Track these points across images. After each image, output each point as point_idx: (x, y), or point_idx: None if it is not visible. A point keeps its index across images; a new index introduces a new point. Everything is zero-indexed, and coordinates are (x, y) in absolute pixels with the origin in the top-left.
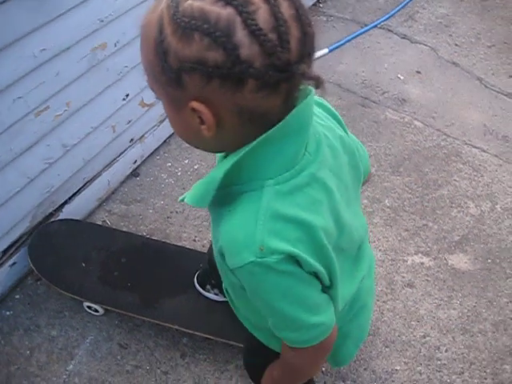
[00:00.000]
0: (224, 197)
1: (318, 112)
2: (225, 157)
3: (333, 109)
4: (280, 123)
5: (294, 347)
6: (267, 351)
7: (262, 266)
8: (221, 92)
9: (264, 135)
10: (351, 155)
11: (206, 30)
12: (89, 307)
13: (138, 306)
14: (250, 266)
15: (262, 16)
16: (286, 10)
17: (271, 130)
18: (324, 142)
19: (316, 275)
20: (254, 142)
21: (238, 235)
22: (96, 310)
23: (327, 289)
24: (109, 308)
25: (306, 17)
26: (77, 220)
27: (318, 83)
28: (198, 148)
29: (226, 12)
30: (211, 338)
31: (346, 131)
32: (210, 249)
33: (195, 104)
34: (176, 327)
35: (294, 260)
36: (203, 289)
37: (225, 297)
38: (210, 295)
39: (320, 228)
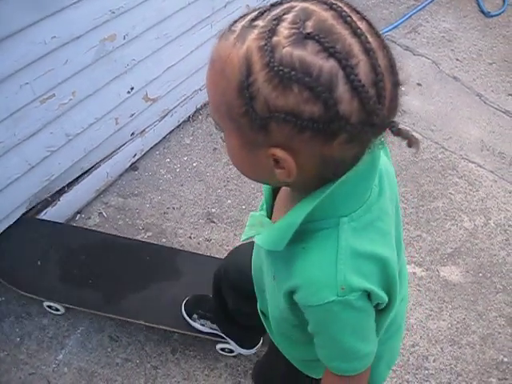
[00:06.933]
0: (296, 234)
1: None
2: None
3: None
4: (359, 165)
5: (340, 375)
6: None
7: (341, 304)
8: (309, 143)
9: (344, 177)
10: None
11: (307, 83)
12: (49, 307)
13: (100, 302)
14: (330, 304)
15: (363, 70)
16: (382, 60)
17: (350, 172)
18: (383, 170)
19: (376, 305)
20: (334, 185)
21: (318, 274)
22: (57, 309)
23: (378, 312)
24: (70, 306)
25: (395, 65)
26: (32, 218)
27: (412, 142)
28: (256, 181)
29: (329, 65)
30: (179, 332)
31: (388, 157)
32: (220, 274)
33: (278, 151)
34: (141, 322)
35: (367, 295)
36: (190, 317)
37: (211, 328)
38: (196, 325)
39: (392, 260)
